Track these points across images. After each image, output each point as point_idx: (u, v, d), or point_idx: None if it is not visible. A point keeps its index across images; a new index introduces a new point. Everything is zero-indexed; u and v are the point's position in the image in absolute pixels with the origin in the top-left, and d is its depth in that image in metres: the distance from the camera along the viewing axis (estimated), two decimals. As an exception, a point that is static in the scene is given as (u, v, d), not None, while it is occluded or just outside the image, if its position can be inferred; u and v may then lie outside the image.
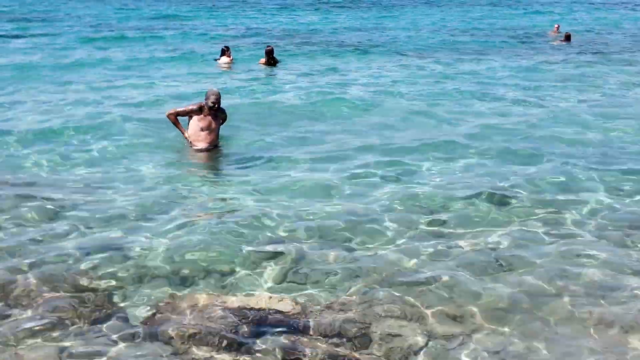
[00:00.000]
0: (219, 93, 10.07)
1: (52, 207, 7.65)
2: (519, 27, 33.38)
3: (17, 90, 15.29)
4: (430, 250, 6.68)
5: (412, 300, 5.62)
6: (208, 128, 9.95)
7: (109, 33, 28.41)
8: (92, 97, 14.50)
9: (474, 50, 24.65)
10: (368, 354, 4.86)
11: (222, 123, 10.23)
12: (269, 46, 19.67)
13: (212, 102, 9.81)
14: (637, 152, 10.55)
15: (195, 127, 9.93)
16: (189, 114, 9.95)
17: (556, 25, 30.65)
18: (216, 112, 9.99)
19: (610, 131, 11.95)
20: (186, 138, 10.06)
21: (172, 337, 4.98)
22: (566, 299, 5.64)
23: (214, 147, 10.10)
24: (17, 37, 26.31)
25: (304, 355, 4.80)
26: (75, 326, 5.15)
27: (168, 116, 10.10)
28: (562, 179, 8.99)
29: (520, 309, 5.51)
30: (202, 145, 9.95)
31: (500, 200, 8.04)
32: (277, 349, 4.85)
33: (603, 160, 9.97)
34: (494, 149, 10.56)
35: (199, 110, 9.87)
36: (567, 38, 26.73)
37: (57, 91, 15.43)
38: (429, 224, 7.40)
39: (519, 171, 9.34)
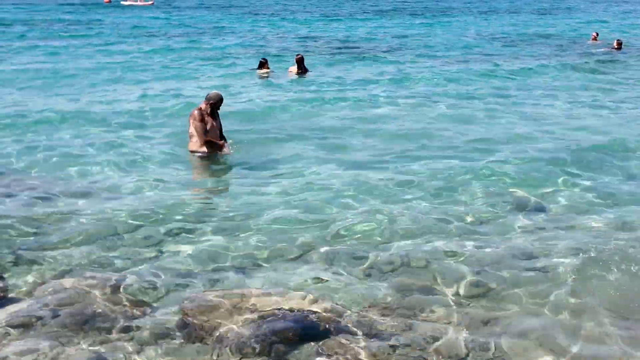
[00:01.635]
0: (218, 95, 10.13)
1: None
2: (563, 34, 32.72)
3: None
4: (465, 250, 6.55)
5: (452, 302, 5.54)
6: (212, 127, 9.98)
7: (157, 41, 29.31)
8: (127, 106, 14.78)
9: (526, 54, 24.39)
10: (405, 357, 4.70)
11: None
12: (299, 55, 19.72)
13: (210, 104, 9.90)
14: None
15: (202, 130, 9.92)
16: (201, 125, 9.86)
17: (594, 34, 29.90)
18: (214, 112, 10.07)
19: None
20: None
21: (205, 335, 4.93)
22: None
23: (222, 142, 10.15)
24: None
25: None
26: (109, 326, 5.12)
27: (206, 144, 9.95)
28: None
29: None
30: (209, 149, 9.95)
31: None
32: (311, 352, 4.73)
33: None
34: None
35: (202, 117, 9.84)
36: (619, 46, 25.85)
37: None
38: (462, 228, 7.31)
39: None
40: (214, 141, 9.92)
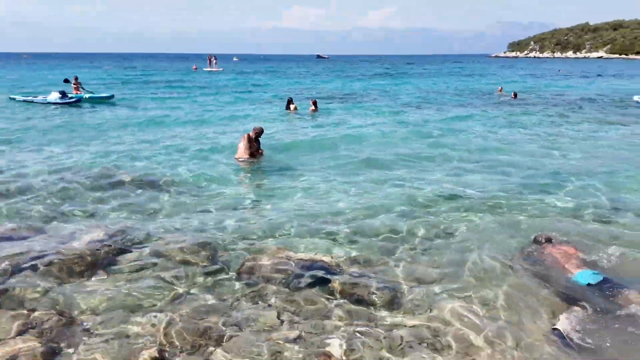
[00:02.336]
0: (261, 128, 10.86)
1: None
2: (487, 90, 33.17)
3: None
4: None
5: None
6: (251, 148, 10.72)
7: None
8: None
9: (456, 104, 24.64)
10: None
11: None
12: (314, 99, 20.98)
13: (256, 133, 10.76)
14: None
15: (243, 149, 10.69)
16: (246, 144, 10.68)
17: (499, 87, 31.37)
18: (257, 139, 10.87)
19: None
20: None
21: (257, 277, 5.36)
22: None
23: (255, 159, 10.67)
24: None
25: (336, 291, 5.10)
26: (189, 274, 5.59)
27: (252, 155, 10.62)
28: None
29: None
30: (250, 158, 10.62)
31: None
32: (320, 285, 5.21)
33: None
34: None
35: (249, 139, 10.70)
36: (515, 96, 27.23)
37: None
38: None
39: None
40: (250, 155, 10.68)
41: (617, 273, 5.31)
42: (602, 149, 12.53)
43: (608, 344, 4.22)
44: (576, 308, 4.65)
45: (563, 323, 4.44)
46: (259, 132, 10.82)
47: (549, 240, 5.82)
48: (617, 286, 4.82)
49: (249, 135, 10.76)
